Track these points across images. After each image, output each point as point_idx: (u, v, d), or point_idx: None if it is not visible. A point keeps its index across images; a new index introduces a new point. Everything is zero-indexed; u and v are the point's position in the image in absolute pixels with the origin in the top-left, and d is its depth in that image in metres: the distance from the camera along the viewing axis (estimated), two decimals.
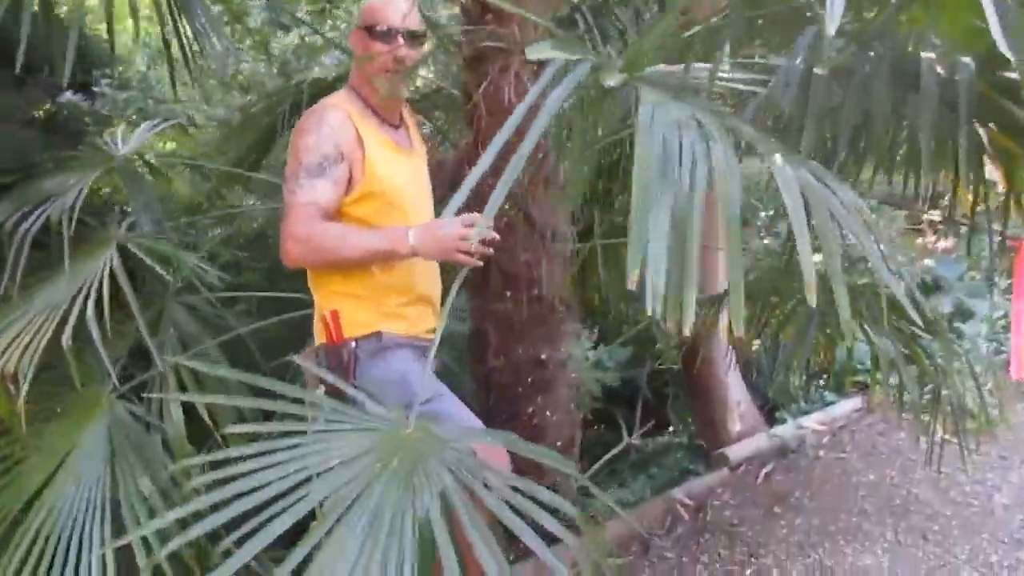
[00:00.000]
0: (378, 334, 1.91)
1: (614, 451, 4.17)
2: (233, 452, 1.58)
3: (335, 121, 1.84)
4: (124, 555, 1.81)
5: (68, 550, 1.81)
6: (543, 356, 2.40)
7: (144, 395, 2.04)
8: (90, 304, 1.97)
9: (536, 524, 1.39)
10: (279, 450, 1.46)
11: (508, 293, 2.37)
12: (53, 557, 1.80)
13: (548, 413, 2.47)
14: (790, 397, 4.27)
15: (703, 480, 3.00)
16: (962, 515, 2.74)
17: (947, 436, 2.57)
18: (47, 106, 3.86)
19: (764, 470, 3.07)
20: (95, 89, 4.01)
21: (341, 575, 1.32)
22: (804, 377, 4.23)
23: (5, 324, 2.05)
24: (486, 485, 1.42)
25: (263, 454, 1.47)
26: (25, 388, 1.85)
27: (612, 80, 1.14)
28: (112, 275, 2.11)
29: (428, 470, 1.45)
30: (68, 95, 3.88)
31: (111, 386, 2.06)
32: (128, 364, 2.27)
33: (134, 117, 3.73)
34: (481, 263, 1.81)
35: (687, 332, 0.95)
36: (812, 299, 0.94)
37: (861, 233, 1.08)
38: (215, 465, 1.49)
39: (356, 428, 1.51)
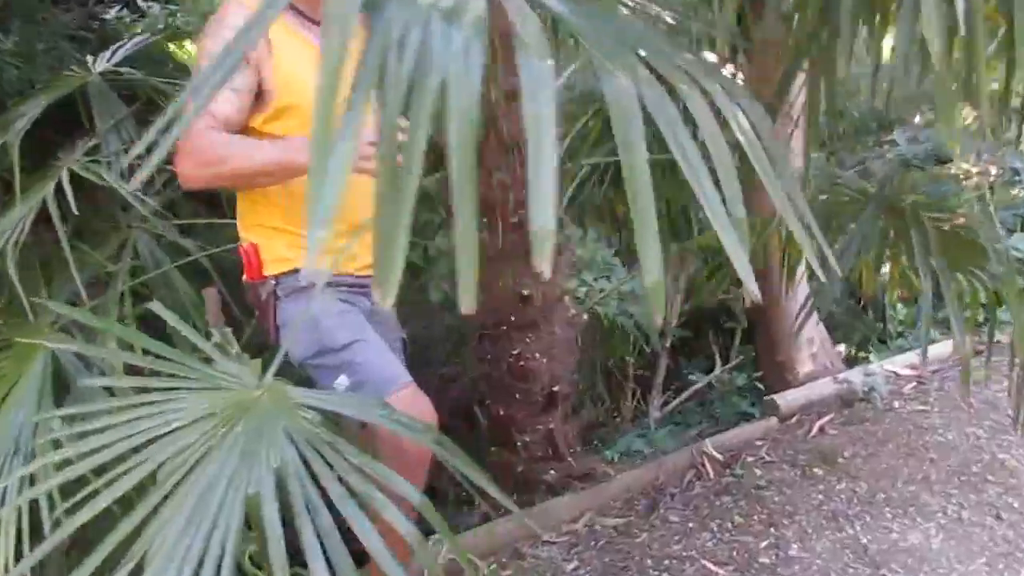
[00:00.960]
0: (297, 271, 1.72)
1: (685, 394, 3.87)
2: (68, 410, 1.47)
3: (237, 22, 1.62)
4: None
5: None
6: (525, 292, 2.13)
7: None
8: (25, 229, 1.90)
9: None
10: (121, 409, 1.32)
11: (484, 219, 2.10)
12: None
13: (538, 355, 2.22)
14: (890, 335, 3.78)
15: (740, 430, 2.67)
16: None
17: None
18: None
19: (820, 422, 2.68)
20: (140, 3, 3.95)
21: (163, 549, 1.19)
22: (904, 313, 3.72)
23: None
24: (328, 463, 1.22)
25: (111, 412, 1.35)
26: None
27: None
28: (83, 201, 2.04)
29: (271, 439, 1.26)
30: (113, 12, 3.84)
31: (53, 318, 1.99)
32: (92, 294, 2.21)
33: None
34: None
35: (388, 304, 0.68)
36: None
37: (698, 168, 0.75)
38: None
39: (202, 387, 1.34)
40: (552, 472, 2.36)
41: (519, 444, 2.31)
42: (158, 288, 2.17)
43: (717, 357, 3.92)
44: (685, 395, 3.90)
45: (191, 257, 2.19)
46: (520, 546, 2.18)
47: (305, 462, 1.23)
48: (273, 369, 1.35)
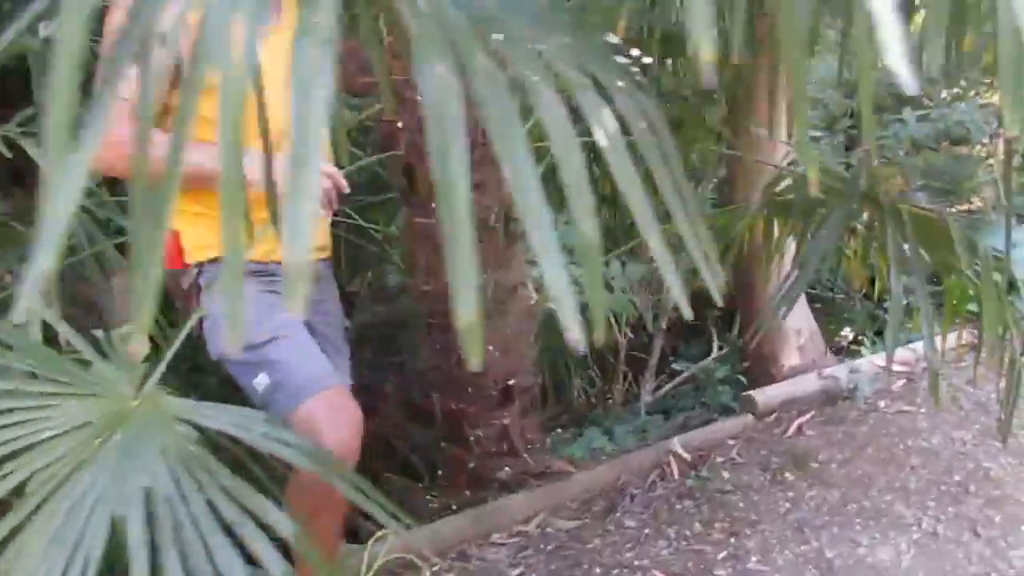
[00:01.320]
0: (220, 259, 1.60)
1: (677, 380, 3.73)
2: None
3: None
4: None
5: None
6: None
7: None
8: None
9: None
10: None
11: (433, 204, 1.97)
12: None
13: (491, 348, 2.10)
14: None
15: (714, 427, 2.55)
16: None
17: None
18: None
19: (798, 421, 2.55)
20: None
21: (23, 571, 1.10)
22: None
23: None
24: (199, 483, 1.12)
25: None
26: None
27: None
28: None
29: (144, 456, 1.16)
30: None
31: None
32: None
33: None
34: (330, 215, 1.50)
35: (137, 353, 0.57)
36: None
37: (526, 179, 0.61)
38: None
39: (78, 393, 1.23)
40: (507, 469, 2.25)
41: (471, 439, 2.20)
42: (92, 271, 2.06)
43: (715, 343, 3.78)
44: (676, 381, 3.77)
45: (126, 237, 2.07)
46: (467, 547, 2.08)
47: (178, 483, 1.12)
48: (157, 375, 1.24)
